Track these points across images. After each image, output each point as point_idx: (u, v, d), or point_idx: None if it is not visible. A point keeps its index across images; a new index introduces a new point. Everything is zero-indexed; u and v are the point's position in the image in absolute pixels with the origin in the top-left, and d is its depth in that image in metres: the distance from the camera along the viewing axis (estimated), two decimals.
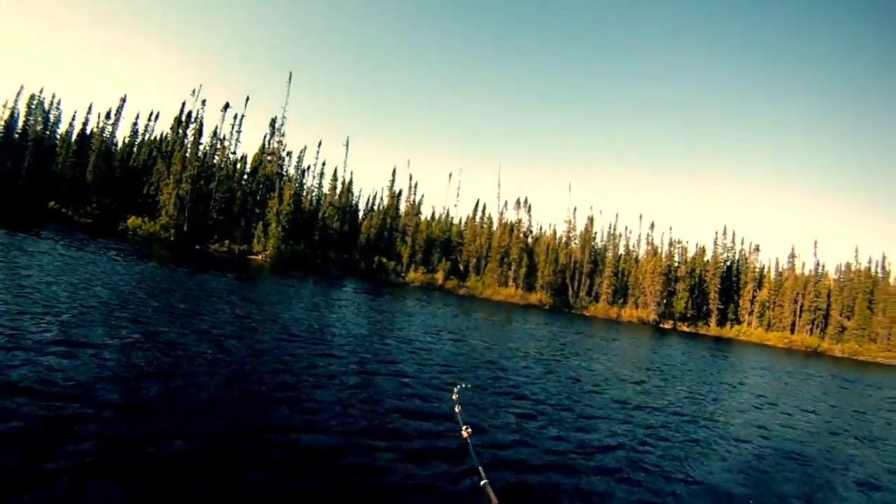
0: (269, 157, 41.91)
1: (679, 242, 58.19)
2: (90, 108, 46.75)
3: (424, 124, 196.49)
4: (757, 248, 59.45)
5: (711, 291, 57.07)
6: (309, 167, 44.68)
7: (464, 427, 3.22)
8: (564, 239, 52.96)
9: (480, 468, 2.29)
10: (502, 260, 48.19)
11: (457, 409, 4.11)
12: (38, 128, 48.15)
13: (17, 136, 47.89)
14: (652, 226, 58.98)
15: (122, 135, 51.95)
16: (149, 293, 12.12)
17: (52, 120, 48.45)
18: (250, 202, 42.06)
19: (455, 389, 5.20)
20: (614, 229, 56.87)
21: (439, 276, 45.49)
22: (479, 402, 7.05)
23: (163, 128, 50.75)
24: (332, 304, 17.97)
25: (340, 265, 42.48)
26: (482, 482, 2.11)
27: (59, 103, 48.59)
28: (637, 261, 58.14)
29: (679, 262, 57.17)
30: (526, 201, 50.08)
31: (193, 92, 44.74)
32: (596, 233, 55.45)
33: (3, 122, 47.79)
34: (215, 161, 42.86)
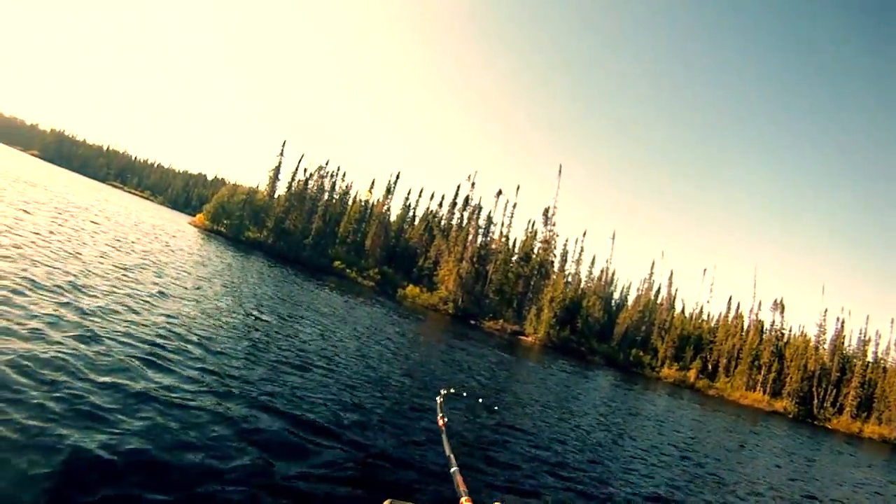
0: (542, 245, 45.49)
1: None
2: (372, 183, 54.64)
3: (679, 218, 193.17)
4: None
5: None
6: (567, 253, 47.74)
7: None
8: (814, 343, 50.01)
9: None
10: (752, 363, 46.82)
11: None
12: (326, 195, 57.34)
13: (307, 200, 57.41)
14: None
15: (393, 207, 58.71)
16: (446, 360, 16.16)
17: (337, 189, 57.48)
18: (521, 285, 45.82)
19: None
20: (864, 334, 52.42)
21: (691, 374, 45.37)
22: None
23: (430, 205, 56.74)
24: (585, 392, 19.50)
25: (602, 355, 44.34)
26: None
27: (344, 175, 57.60)
28: (885, 370, 52.83)
29: None
30: (781, 302, 48.34)
31: (469, 177, 50.53)
32: (845, 336, 51.56)
33: (287, 185, 57.55)
34: (489, 243, 47.54)
